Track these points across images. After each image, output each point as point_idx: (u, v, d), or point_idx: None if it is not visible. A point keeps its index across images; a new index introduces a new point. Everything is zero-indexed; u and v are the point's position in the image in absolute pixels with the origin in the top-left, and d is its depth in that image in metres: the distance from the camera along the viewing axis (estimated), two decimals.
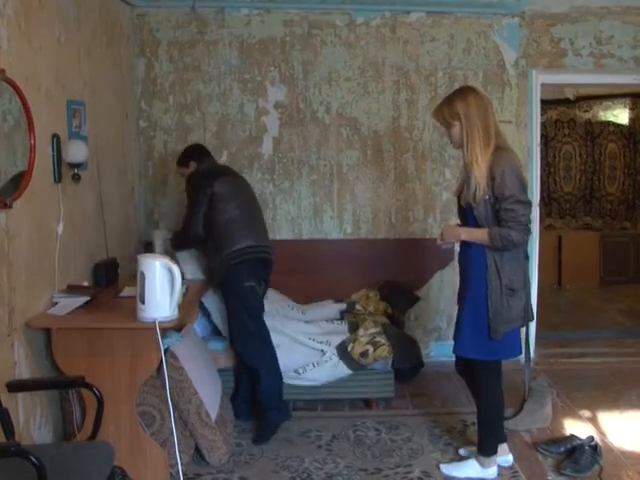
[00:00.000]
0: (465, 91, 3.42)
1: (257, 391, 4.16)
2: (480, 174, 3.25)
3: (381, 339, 4.38)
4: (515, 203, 3.21)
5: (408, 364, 4.45)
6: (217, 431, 3.70)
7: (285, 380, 4.28)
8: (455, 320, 3.56)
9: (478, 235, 3.32)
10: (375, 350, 4.33)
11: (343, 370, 4.36)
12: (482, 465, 3.59)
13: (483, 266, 3.32)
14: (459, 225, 3.56)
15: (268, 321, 4.31)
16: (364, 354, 4.34)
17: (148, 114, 5.29)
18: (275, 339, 4.29)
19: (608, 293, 8.03)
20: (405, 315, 5.00)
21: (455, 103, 3.34)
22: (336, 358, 4.36)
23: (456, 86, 5.24)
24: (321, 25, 5.27)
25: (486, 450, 3.60)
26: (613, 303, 7.46)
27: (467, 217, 3.41)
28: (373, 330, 4.46)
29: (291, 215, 5.44)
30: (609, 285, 8.39)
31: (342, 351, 4.37)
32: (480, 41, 5.33)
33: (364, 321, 4.73)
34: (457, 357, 3.65)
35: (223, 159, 5.30)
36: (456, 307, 3.59)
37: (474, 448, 3.72)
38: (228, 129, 5.32)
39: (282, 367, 4.23)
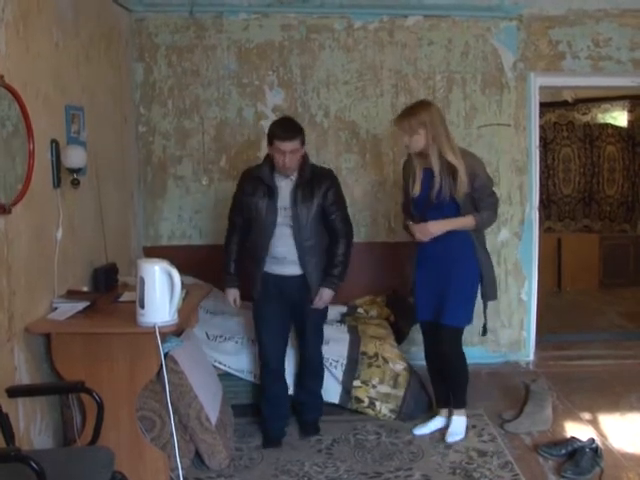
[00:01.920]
0: (426, 103, 3.99)
1: (316, 393, 4.26)
2: (463, 173, 3.77)
3: (398, 392, 4.36)
4: (492, 192, 3.97)
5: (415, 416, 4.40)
6: (217, 435, 3.70)
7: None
8: (431, 299, 3.98)
9: (463, 222, 3.87)
10: (384, 403, 4.37)
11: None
12: (463, 415, 4.13)
13: (471, 246, 3.91)
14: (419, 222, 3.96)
15: None
16: (371, 405, 4.35)
17: (147, 119, 5.29)
18: None
19: (607, 296, 8.02)
20: (410, 328, 4.99)
21: (421, 113, 3.83)
22: (337, 384, 4.38)
23: (455, 89, 5.34)
24: (319, 29, 5.27)
25: (463, 401, 4.14)
26: (612, 305, 7.45)
27: (442, 211, 3.86)
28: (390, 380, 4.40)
29: None
30: (608, 287, 8.38)
31: (346, 392, 4.37)
32: (478, 44, 5.33)
33: (366, 327, 4.74)
34: (425, 322, 4.15)
35: (222, 164, 5.33)
36: None
37: None
38: (227, 133, 5.32)
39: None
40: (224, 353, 4.37)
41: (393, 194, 5.42)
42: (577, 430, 4.13)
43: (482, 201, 3.87)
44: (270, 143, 3.79)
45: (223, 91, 5.29)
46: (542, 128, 7.95)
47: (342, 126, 5.39)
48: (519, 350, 5.60)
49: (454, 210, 3.86)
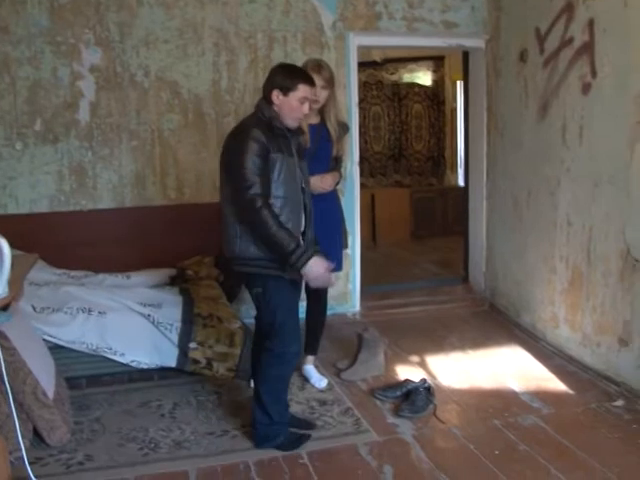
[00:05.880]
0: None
1: None
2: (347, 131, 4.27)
3: (235, 350, 4.24)
4: None
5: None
6: (55, 410, 3.54)
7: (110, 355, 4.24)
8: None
9: (339, 176, 4.18)
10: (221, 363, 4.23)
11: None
12: None
13: (338, 199, 4.25)
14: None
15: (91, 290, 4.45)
16: (208, 366, 4.21)
17: None
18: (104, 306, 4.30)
19: (419, 246, 8.54)
20: (240, 287, 5.00)
21: (331, 69, 4.02)
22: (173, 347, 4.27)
23: (276, 48, 5.36)
24: None
25: None
26: (425, 255, 7.93)
27: (324, 165, 4.04)
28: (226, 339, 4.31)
29: (112, 183, 5.24)
30: (420, 238, 8.91)
31: (183, 355, 4.24)
32: (299, 3, 5.36)
33: (198, 288, 4.71)
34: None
35: (37, 127, 5.02)
36: None
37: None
38: (41, 95, 5.00)
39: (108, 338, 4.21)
40: (53, 325, 4.17)
41: (217, 154, 5.33)
42: (409, 373, 4.39)
43: (341, 160, 4.19)
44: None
45: (35, 50, 4.93)
46: None
47: (163, 86, 5.24)
48: (346, 302, 5.81)
49: (329, 165, 4.08)
